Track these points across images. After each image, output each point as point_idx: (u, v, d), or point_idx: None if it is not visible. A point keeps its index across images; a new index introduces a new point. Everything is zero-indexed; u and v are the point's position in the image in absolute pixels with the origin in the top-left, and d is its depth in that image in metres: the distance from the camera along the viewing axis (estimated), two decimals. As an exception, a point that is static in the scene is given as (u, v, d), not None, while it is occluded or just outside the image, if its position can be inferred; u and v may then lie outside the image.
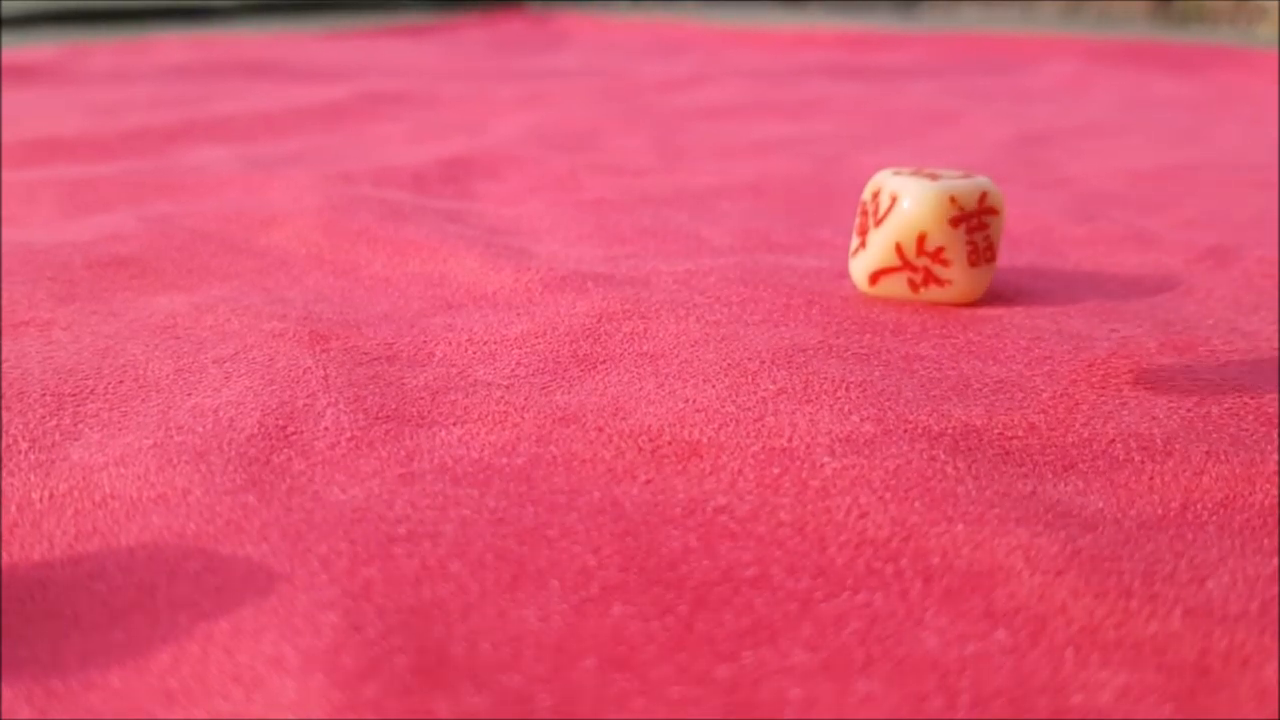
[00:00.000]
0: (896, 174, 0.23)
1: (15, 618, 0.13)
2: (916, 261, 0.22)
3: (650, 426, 0.17)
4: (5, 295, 0.23)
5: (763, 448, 0.16)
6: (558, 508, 0.15)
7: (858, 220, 0.24)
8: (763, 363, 0.19)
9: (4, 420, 0.17)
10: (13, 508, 0.15)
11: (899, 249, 0.22)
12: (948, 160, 0.40)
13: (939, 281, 0.23)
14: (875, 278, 0.23)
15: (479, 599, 0.13)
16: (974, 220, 0.22)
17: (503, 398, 0.18)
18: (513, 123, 0.47)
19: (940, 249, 0.22)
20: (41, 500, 0.15)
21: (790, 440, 0.16)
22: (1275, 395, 0.18)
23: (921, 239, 0.22)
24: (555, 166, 0.37)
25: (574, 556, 0.14)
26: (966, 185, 0.22)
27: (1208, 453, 0.16)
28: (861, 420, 0.17)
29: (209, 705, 0.11)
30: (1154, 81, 0.68)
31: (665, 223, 0.30)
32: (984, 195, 0.22)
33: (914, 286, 0.23)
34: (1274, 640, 0.12)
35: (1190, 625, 0.12)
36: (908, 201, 0.22)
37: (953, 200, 0.22)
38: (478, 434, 0.17)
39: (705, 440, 0.16)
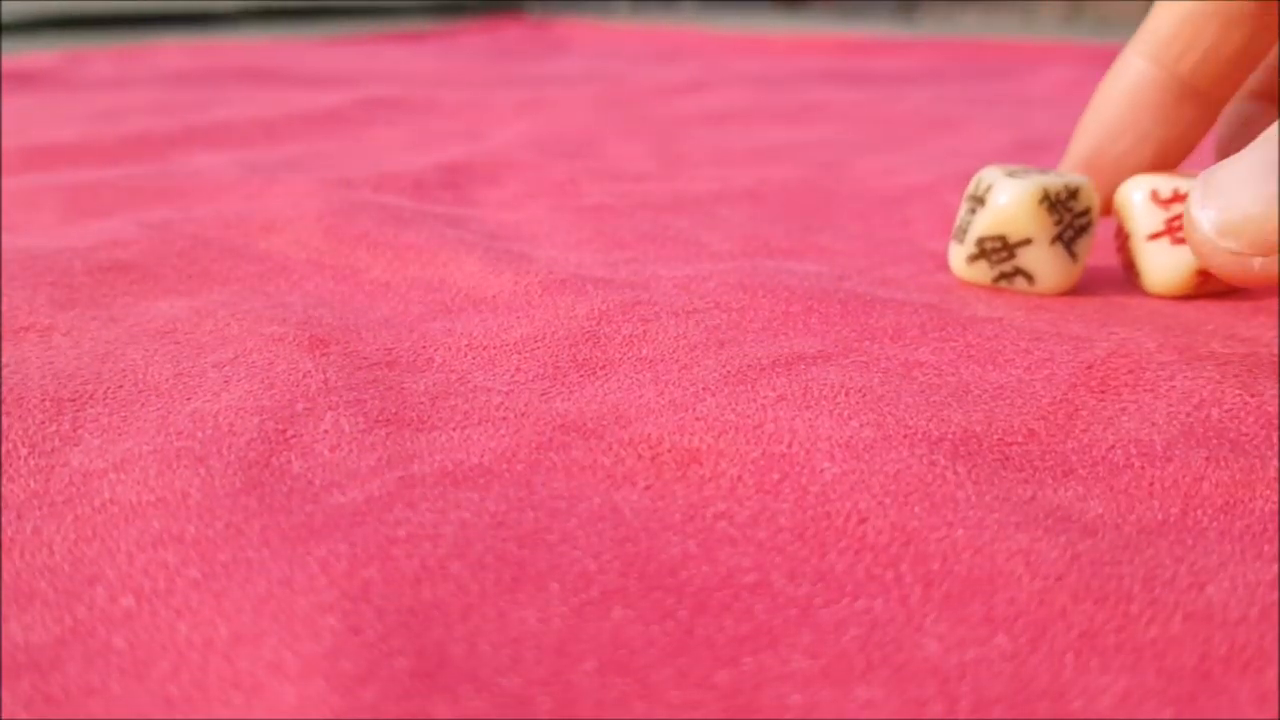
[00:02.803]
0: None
1: (14, 623, 0.13)
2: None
3: (650, 434, 0.17)
4: (5, 301, 0.23)
5: (762, 453, 0.16)
6: (558, 513, 0.15)
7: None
8: (762, 369, 0.19)
9: (4, 425, 0.17)
10: (12, 513, 0.15)
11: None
12: (948, 165, 0.40)
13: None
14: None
15: (479, 600, 0.13)
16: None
17: (502, 404, 0.18)
18: (512, 129, 0.47)
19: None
20: (41, 505, 0.15)
21: (789, 446, 0.16)
22: (1275, 399, 0.18)
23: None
24: (555, 172, 0.37)
25: (574, 560, 0.14)
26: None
27: (1208, 458, 0.16)
28: (861, 426, 0.17)
29: (208, 711, 0.11)
30: (1153, 88, 0.67)
31: (665, 228, 0.30)
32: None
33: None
34: (1274, 644, 0.12)
35: (1190, 630, 0.12)
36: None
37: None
38: (477, 439, 0.17)
39: (704, 447, 0.16)
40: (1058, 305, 0.23)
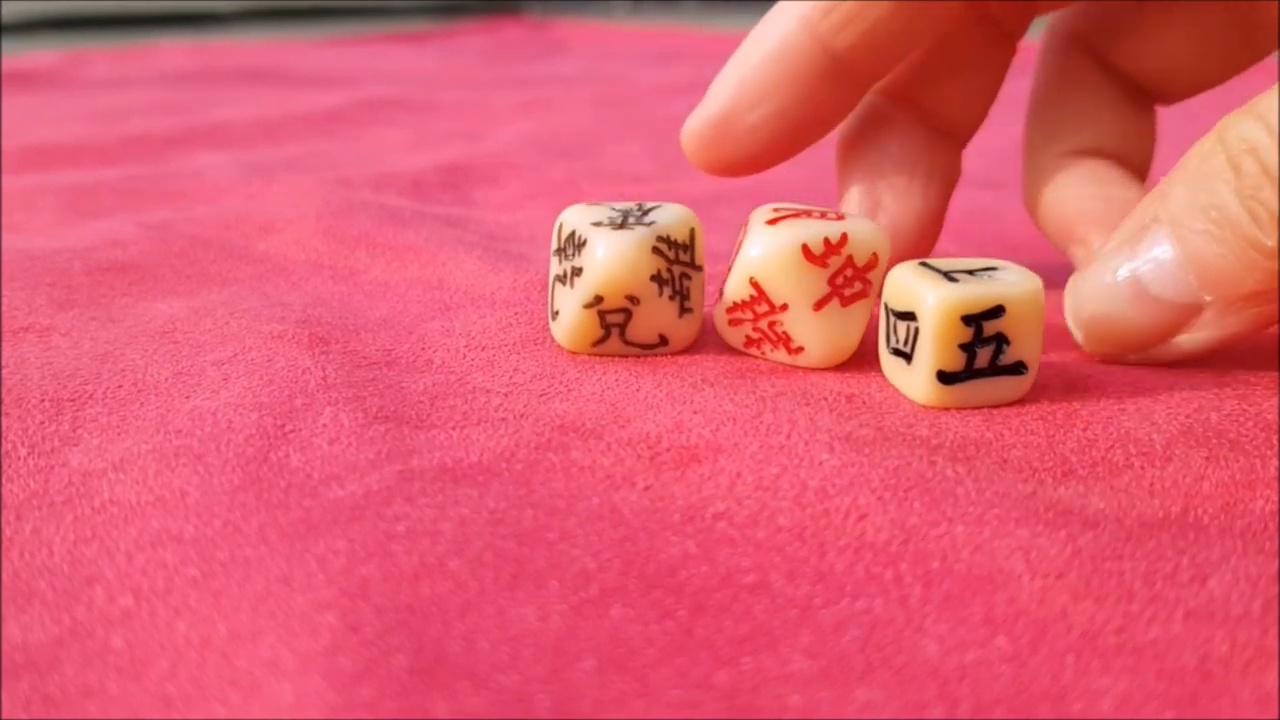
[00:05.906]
0: None
1: (13, 624, 0.13)
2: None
3: (649, 433, 0.17)
4: (5, 301, 0.23)
5: (761, 446, 0.16)
6: (556, 511, 0.15)
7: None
8: (760, 372, 0.19)
9: (3, 426, 0.17)
10: (12, 513, 0.15)
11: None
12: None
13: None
14: None
15: (477, 598, 0.13)
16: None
17: (501, 405, 0.18)
18: (511, 129, 0.47)
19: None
20: (40, 505, 0.15)
21: (789, 437, 0.16)
22: (1275, 401, 0.18)
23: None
24: (554, 173, 0.37)
25: (573, 559, 0.14)
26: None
27: (1208, 458, 0.16)
28: (860, 425, 0.17)
29: (205, 710, 0.11)
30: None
31: (664, 229, 0.30)
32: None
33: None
34: (1275, 643, 0.12)
35: (1191, 629, 0.12)
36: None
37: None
38: (476, 439, 0.17)
39: (703, 443, 0.16)
40: (1054, 309, 0.23)
